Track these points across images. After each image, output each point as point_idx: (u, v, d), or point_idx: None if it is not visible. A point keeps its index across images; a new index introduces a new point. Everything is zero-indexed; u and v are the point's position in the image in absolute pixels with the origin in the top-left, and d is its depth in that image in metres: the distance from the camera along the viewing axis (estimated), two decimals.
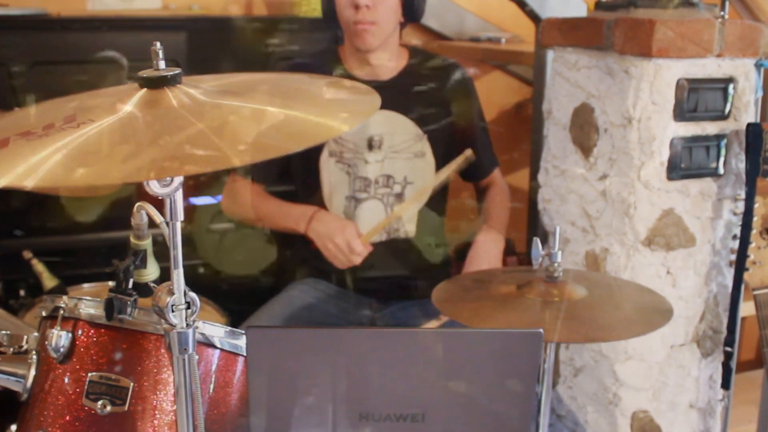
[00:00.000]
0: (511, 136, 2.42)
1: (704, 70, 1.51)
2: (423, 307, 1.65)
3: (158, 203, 0.87)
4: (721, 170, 1.57)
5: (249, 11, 2.61)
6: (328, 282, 1.73)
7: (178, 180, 0.80)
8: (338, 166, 1.65)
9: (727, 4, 1.62)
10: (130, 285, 1.06)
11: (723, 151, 1.56)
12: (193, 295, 0.89)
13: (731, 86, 1.53)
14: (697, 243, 1.59)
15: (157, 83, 0.85)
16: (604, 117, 1.59)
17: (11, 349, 1.19)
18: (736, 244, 1.50)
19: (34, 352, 1.15)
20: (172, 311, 0.88)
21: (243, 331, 1.16)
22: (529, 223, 2.09)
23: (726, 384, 1.61)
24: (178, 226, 0.86)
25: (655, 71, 1.48)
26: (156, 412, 1.09)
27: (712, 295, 1.64)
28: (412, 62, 1.68)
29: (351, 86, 0.98)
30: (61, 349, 1.10)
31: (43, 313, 1.18)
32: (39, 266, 1.65)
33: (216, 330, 1.15)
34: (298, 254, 1.76)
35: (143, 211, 0.99)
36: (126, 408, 1.07)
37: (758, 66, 1.56)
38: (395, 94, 1.63)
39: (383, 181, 1.65)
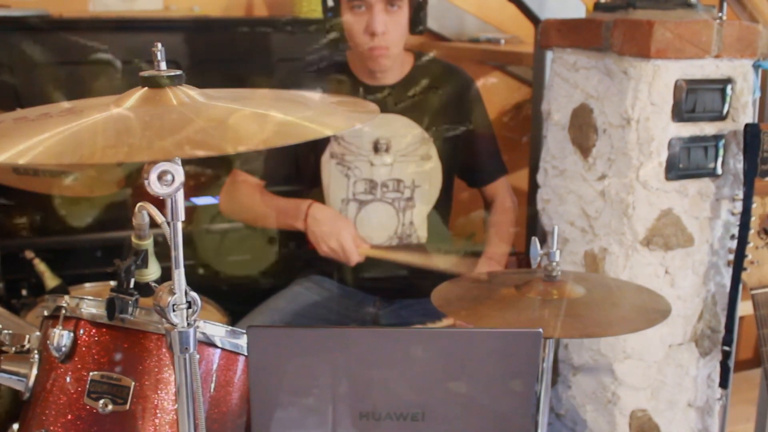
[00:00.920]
0: (511, 136, 2.43)
1: (702, 70, 1.52)
2: (426, 305, 1.65)
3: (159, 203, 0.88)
4: (719, 170, 1.57)
5: (250, 12, 2.62)
6: (332, 279, 1.74)
7: (179, 180, 0.81)
8: (338, 168, 1.66)
9: (725, 5, 1.62)
10: (132, 285, 1.06)
11: (721, 152, 1.56)
12: (194, 294, 0.89)
13: (729, 87, 1.54)
14: (695, 243, 1.59)
15: (158, 84, 0.86)
16: (603, 117, 1.60)
17: (13, 349, 1.19)
18: (734, 244, 1.50)
19: (36, 352, 1.16)
20: (174, 311, 0.88)
21: (244, 331, 1.16)
22: (528, 223, 2.09)
23: (724, 383, 1.61)
24: (179, 226, 0.87)
25: (654, 72, 1.48)
26: (157, 411, 1.09)
27: (710, 295, 1.64)
28: (416, 67, 1.69)
29: (353, 103, 0.99)
30: (63, 349, 1.11)
31: (45, 313, 1.19)
32: (41, 266, 1.66)
33: (217, 329, 1.15)
34: (302, 252, 1.76)
35: (144, 211, 0.99)
36: (127, 407, 1.08)
37: (756, 67, 1.57)
38: (400, 98, 1.64)
39: (393, 186, 1.65)
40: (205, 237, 2.08)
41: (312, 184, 1.69)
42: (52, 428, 1.10)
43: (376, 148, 1.64)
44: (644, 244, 1.55)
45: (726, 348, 1.59)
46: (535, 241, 1.29)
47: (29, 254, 1.69)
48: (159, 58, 0.88)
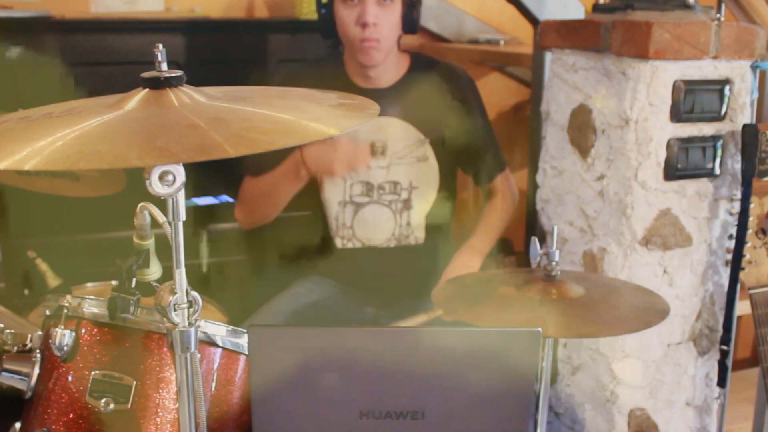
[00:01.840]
0: (510, 136, 2.44)
1: (700, 71, 1.52)
2: (426, 305, 1.66)
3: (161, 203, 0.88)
4: (717, 171, 1.58)
5: (250, 14, 2.63)
6: (332, 280, 1.74)
7: (180, 180, 0.81)
8: None
9: (723, 6, 1.63)
10: (133, 284, 1.07)
11: (719, 152, 1.57)
12: (195, 294, 0.89)
13: (727, 88, 1.55)
14: (693, 243, 1.60)
15: (159, 84, 0.87)
16: (602, 118, 1.60)
17: (15, 348, 1.19)
18: (732, 244, 1.51)
19: (38, 351, 1.16)
20: (175, 310, 0.88)
21: (244, 330, 1.16)
22: (528, 223, 2.10)
23: (722, 382, 1.62)
24: (180, 225, 0.87)
25: (652, 73, 1.49)
26: (158, 410, 1.10)
27: (708, 294, 1.65)
28: (412, 68, 1.69)
29: (353, 102, 0.99)
30: (65, 348, 1.11)
31: (47, 312, 1.19)
32: (43, 265, 1.67)
33: (218, 329, 1.16)
34: (302, 252, 1.77)
35: (146, 211, 1.00)
36: (129, 406, 1.08)
37: (754, 68, 1.57)
38: (396, 101, 1.64)
39: (390, 188, 1.66)
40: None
41: (310, 187, 1.70)
42: (54, 427, 1.10)
43: (372, 151, 1.64)
44: (643, 244, 1.56)
45: (724, 347, 1.60)
46: (535, 241, 1.30)
47: (31, 254, 1.70)
48: (160, 59, 0.88)
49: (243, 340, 1.16)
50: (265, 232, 1.82)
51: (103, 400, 1.08)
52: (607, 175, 1.60)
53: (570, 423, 1.77)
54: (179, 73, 0.88)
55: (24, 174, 1.49)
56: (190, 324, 0.89)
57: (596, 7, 1.68)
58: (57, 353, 1.12)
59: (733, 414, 1.78)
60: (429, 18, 2.67)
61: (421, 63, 1.71)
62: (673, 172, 1.54)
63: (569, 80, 1.69)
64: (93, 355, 1.12)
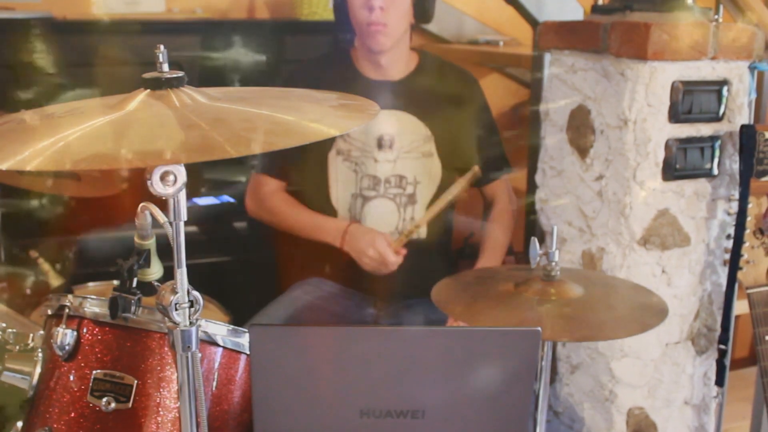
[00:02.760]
0: (509, 137, 2.44)
1: (699, 72, 1.53)
2: (426, 305, 1.66)
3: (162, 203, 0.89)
4: (716, 171, 1.58)
5: (251, 15, 2.64)
6: (332, 281, 1.75)
7: (181, 180, 0.82)
8: (345, 164, 1.67)
9: (721, 7, 1.64)
10: (134, 284, 1.07)
11: (717, 152, 1.57)
12: (196, 293, 0.90)
13: (725, 88, 1.55)
14: (691, 242, 1.60)
15: (160, 85, 0.87)
16: (601, 119, 1.61)
17: (17, 347, 1.20)
18: (730, 244, 1.52)
19: (39, 350, 1.17)
20: (176, 310, 0.88)
21: (245, 330, 1.17)
22: (527, 223, 2.11)
23: (720, 381, 1.62)
24: (182, 225, 0.87)
25: (651, 74, 1.49)
26: (159, 409, 1.10)
27: (706, 294, 1.65)
28: (421, 65, 1.71)
29: (354, 102, 1.00)
30: (66, 347, 1.12)
31: (49, 312, 1.19)
32: (45, 265, 1.67)
33: (219, 328, 1.16)
34: (302, 254, 1.78)
35: (147, 211, 1.00)
36: (130, 405, 1.09)
37: (752, 68, 1.58)
38: (405, 95, 1.66)
39: (395, 181, 1.67)
40: None
41: (317, 180, 1.70)
42: (55, 426, 1.11)
43: (380, 145, 1.65)
44: (641, 244, 1.57)
45: (722, 346, 1.60)
46: (534, 241, 1.30)
47: (33, 254, 1.71)
48: (161, 59, 0.89)
49: (244, 340, 1.17)
50: (266, 231, 1.83)
51: (104, 399, 1.09)
52: (605, 175, 1.61)
53: (569, 422, 1.77)
54: (180, 73, 0.88)
55: (26, 174, 1.50)
56: (191, 323, 0.90)
57: (595, 9, 1.69)
58: (58, 352, 1.12)
59: (731, 413, 1.78)
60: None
61: (429, 61, 1.73)
62: (671, 172, 1.54)
63: (568, 81, 1.70)
64: (94, 355, 1.12)
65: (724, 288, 1.61)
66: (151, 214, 0.98)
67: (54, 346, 1.12)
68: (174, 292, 0.89)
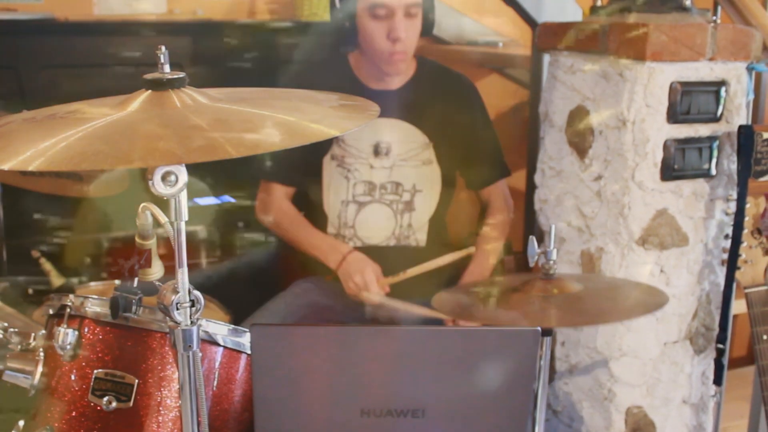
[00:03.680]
0: (509, 138, 2.45)
1: (697, 73, 1.53)
2: (425, 305, 1.67)
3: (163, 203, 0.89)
4: (714, 171, 1.59)
5: (252, 16, 2.64)
6: (330, 282, 1.75)
7: (183, 181, 0.82)
8: (338, 170, 1.68)
9: (719, 8, 1.64)
10: (135, 284, 1.08)
11: (715, 153, 1.58)
12: (197, 293, 0.90)
13: (723, 89, 1.56)
14: (689, 242, 1.61)
15: (162, 86, 0.87)
16: (599, 119, 1.62)
17: (19, 347, 1.20)
18: (728, 244, 1.52)
19: (41, 350, 1.17)
20: (177, 309, 0.89)
21: (246, 329, 1.17)
22: (526, 224, 2.11)
23: (718, 380, 1.63)
24: (183, 225, 0.88)
25: (649, 74, 1.50)
26: (160, 408, 1.11)
27: (704, 293, 1.66)
28: (419, 71, 1.71)
29: (354, 103, 1.00)
30: (68, 347, 1.12)
31: (51, 311, 1.19)
32: (47, 265, 1.68)
33: (219, 328, 1.17)
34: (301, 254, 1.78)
35: (148, 212, 1.01)
36: (131, 404, 1.09)
37: (750, 69, 1.59)
38: (403, 103, 1.66)
39: (392, 188, 1.67)
40: None
41: (311, 184, 1.71)
42: (56, 425, 1.11)
43: (377, 152, 1.66)
44: (640, 244, 1.57)
45: (720, 346, 1.61)
46: (533, 241, 1.31)
47: (35, 254, 1.71)
48: (163, 60, 0.89)
49: (244, 339, 1.18)
50: (266, 232, 1.84)
51: (105, 399, 1.09)
52: (604, 175, 1.61)
53: (568, 421, 1.78)
54: (182, 74, 0.89)
55: (28, 174, 1.50)
56: (192, 323, 0.90)
57: (594, 10, 1.69)
58: (60, 352, 1.13)
59: (729, 412, 1.79)
60: None
61: (427, 68, 1.73)
62: (669, 172, 1.55)
63: (567, 82, 1.70)
64: (95, 354, 1.13)
65: (722, 287, 1.62)
66: (152, 215, 0.99)
67: (56, 346, 1.13)
68: (175, 291, 0.89)
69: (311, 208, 1.73)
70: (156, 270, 1.06)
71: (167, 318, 0.90)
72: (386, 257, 1.67)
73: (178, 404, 1.10)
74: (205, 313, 0.95)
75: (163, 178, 0.81)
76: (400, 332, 1.17)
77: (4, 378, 1.16)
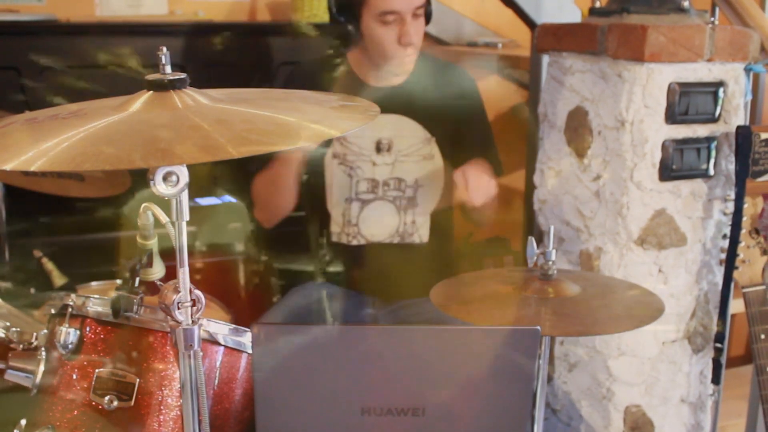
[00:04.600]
0: (508, 138, 2.46)
1: (695, 74, 1.54)
2: (424, 306, 1.67)
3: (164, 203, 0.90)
4: (712, 171, 1.60)
5: (253, 17, 2.65)
6: (330, 283, 1.76)
7: (184, 181, 0.82)
8: (340, 168, 1.68)
9: (717, 9, 1.65)
10: (137, 283, 1.08)
11: (713, 153, 1.59)
12: (198, 293, 0.90)
13: (721, 90, 1.57)
14: (688, 242, 1.62)
15: (163, 87, 0.88)
16: (598, 120, 1.62)
17: (21, 346, 1.21)
18: (726, 243, 1.52)
19: (43, 349, 1.17)
20: (178, 308, 0.89)
21: (246, 329, 1.18)
22: (525, 224, 2.12)
23: (716, 379, 1.64)
24: (184, 225, 0.88)
25: (648, 75, 1.51)
26: (161, 407, 1.11)
27: (702, 293, 1.67)
28: (419, 67, 1.72)
29: (354, 103, 1.01)
30: (70, 346, 1.13)
31: (52, 311, 1.20)
32: (49, 265, 1.68)
33: (220, 327, 1.17)
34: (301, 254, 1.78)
35: (149, 212, 1.01)
36: (132, 403, 1.10)
37: (747, 70, 1.59)
38: (403, 99, 1.66)
39: (394, 184, 1.68)
40: None
41: (313, 183, 1.71)
42: (58, 424, 1.11)
43: (378, 148, 1.66)
44: (638, 244, 1.58)
45: (718, 345, 1.61)
46: (532, 241, 1.31)
47: (37, 253, 1.72)
48: (164, 61, 0.89)
49: (244, 339, 1.18)
50: (265, 232, 1.84)
51: (106, 398, 1.10)
52: (603, 175, 1.62)
53: (567, 419, 1.78)
54: (183, 75, 0.89)
55: (30, 175, 1.51)
56: (193, 322, 0.90)
57: (592, 11, 1.70)
58: (62, 351, 1.13)
59: (727, 410, 1.79)
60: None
61: (428, 63, 1.74)
62: (668, 172, 1.56)
63: (566, 82, 1.71)
64: (97, 353, 1.13)
65: (720, 287, 1.62)
66: (153, 215, 0.99)
67: (57, 345, 1.13)
68: (176, 291, 0.89)
69: (313, 206, 1.73)
70: (157, 269, 1.07)
71: (168, 317, 0.90)
72: (389, 255, 1.68)
73: (179, 403, 1.11)
74: (206, 313, 0.95)
75: (165, 178, 0.81)
76: (401, 332, 1.18)
77: (6, 377, 1.17)
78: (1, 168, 0.78)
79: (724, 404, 1.74)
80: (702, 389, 1.72)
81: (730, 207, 1.52)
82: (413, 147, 1.68)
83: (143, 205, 1.01)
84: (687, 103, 1.54)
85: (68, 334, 1.13)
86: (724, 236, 1.55)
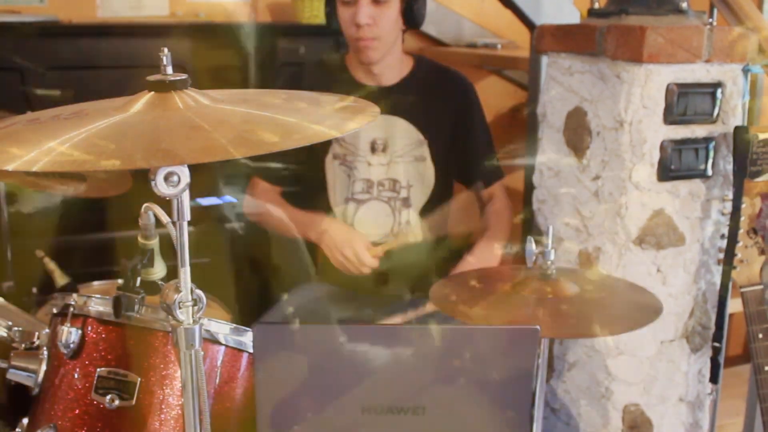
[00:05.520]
0: (507, 138, 2.46)
1: (693, 75, 1.55)
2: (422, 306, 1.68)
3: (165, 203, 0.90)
4: (710, 172, 1.60)
5: (253, 19, 2.66)
6: (329, 285, 1.76)
7: (185, 181, 0.83)
8: (341, 168, 1.69)
9: (715, 11, 1.66)
10: (138, 283, 1.08)
11: (711, 154, 1.59)
12: (199, 292, 0.90)
13: (719, 91, 1.57)
14: (686, 242, 1.62)
15: (164, 87, 0.88)
16: (597, 120, 1.63)
17: (23, 345, 1.22)
18: (724, 243, 1.53)
19: (45, 348, 1.19)
20: (179, 308, 0.89)
21: (247, 329, 1.18)
22: (524, 224, 2.12)
23: (714, 378, 1.64)
24: (185, 225, 0.88)
25: (646, 76, 1.51)
26: (162, 406, 1.11)
27: (701, 293, 1.67)
28: (415, 69, 1.72)
29: (354, 104, 1.01)
30: (71, 345, 1.13)
31: (54, 310, 1.21)
32: (50, 265, 1.69)
33: (221, 327, 1.18)
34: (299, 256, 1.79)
35: (150, 212, 1.02)
36: (133, 402, 1.10)
37: (745, 71, 1.60)
38: (398, 100, 1.67)
39: (389, 185, 1.68)
40: None
41: (315, 185, 1.72)
42: (60, 423, 1.12)
43: (373, 148, 1.67)
44: (637, 243, 1.59)
45: (716, 344, 1.62)
46: (531, 240, 1.32)
47: (39, 253, 1.72)
48: (165, 62, 0.90)
49: (245, 338, 1.19)
50: (265, 232, 1.85)
51: (108, 397, 1.10)
52: (602, 175, 1.62)
53: (566, 418, 1.79)
54: (184, 76, 0.90)
55: (32, 175, 1.51)
56: (194, 321, 0.91)
57: (591, 12, 1.70)
58: (63, 350, 1.14)
59: (725, 409, 1.80)
60: (428, 22, 2.69)
61: (424, 66, 1.74)
62: (666, 173, 1.56)
63: (565, 83, 1.72)
64: (98, 353, 1.14)
65: (718, 287, 1.63)
66: (155, 215, 1.00)
67: (59, 344, 1.14)
68: (178, 290, 0.89)
69: (315, 208, 1.74)
70: (158, 269, 1.08)
71: (170, 317, 0.91)
72: (384, 255, 1.68)
73: (180, 402, 1.11)
74: (207, 312, 0.96)
75: (166, 178, 0.81)
76: (401, 331, 1.18)
77: (8, 376, 1.17)
78: (3, 168, 0.78)
79: (722, 403, 1.74)
80: (700, 388, 1.73)
81: (728, 207, 1.52)
82: (406, 148, 1.69)
83: (144, 205, 1.01)
84: (685, 103, 1.54)
85: (70, 333, 1.14)
86: (722, 236, 1.55)
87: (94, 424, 1.11)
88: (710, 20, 1.60)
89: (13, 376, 1.18)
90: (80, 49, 2.06)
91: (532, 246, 1.31)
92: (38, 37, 2.03)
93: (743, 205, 1.50)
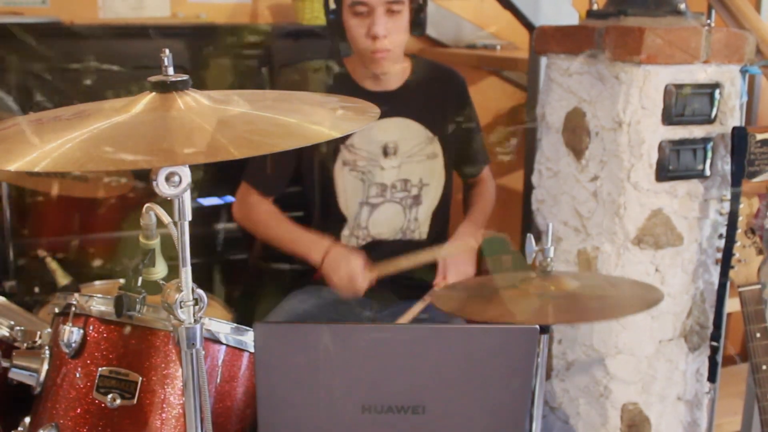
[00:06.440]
0: (506, 139, 2.47)
1: (691, 75, 1.55)
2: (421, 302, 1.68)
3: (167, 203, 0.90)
4: (708, 172, 1.61)
5: (254, 19, 2.66)
6: (328, 287, 1.76)
7: (186, 181, 0.83)
8: (352, 174, 1.69)
9: (713, 12, 1.66)
10: (140, 283, 1.09)
11: (709, 154, 1.60)
12: (200, 292, 0.91)
13: (717, 91, 1.58)
14: (684, 242, 1.63)
15: (166, 88, 0.89)
16: (596, 121, 1.64)
17: (25, 345, 1.22)
18: (722, 243, 1.54)
19: (47, 348, 1.19)
20: (181, 307, 0.90)
21: (248, 328, 1.19)
22: (524, 224, 2.13)
23: (712, 377, 1.65)
24: (186, 225, 0.89)
25: (645, 77, 1.52)
26: (164, 405, 1.12)
27: (699, 292, 1.68)
28: (414, 70, 1.73)
29: (354, 105, 1.02)
30: (73, 345, 1.14)
31: (56, 310, 1.21)
32: (53, 264, 1.69)
33: (222, 326, 1.18)
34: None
35: (152, 212, 1.02)
36: (135, 401, 1.11)
37: (743, 72, 1.60)
38: (403, 101, 1.68)
39: (401, 186, 1.69)
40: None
41: (324, 193, 1.72)
42: (61, 422, 1.12)
43: (385, 152, 1.68)
44: (635, 243, 1.59)
45: (714, 343, 1.63)
46: (530, 238, 1.32)
47: (41, 253, 1.73)
48: (167, 63, 0.90)
49: (246, 338, 1.19)
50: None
51: (109, 396, 1.11)
52: (600, 176, 1.63)
53: (565, 417, 1.79)
54: (185, 77, 0.90)
55: (34, 175, 1.52)
56: (195, 321, 0.91)
57: (590, 13, 1.71)
58: (65, 350, 1.14)
59: (723, 408, 1.81)
60: (428, 24, 2.71)
61: (421, 65, 1.75)
62: (664, 173, 1.57)
63: (564, 84, 1.72)
64: (100, 352, 1.14)
65: (716, 286, 1.63)
66: (156, 215, 1.00)
67: (61, 344, 1.14)
68: (179, 290, 0.90)
69: (322, 212, 1.73)
70: (160, 269, 1.08)
71: (171, 316, 0.91)
72: (390, 252, 1.69)
73: (181, 401, 1.12)
74: (207, 312, 0.96)
75: (167, 178, 0.82)
76: (401, 330, 1.19)
77: (10, 375, 1.17)
78: (5, 168, 0.79)
79: (720, 402, 1.75)
80: (698, 387, 1.73)
81: (726, 207, 1.53)
82: (417, 147, 1.70)
83: (146, 205, 1.02)
84: (683, 104, 1.55)
85: (72, 333, 1.14)
86: (720, 236, 1.56)
87: (96, 423, 1.12)
88: (708, 21, 1.61)
89: (15, 375, 1.18)
90: (82, 50, 2.07)
91: (532, 244, 1.32)
92: (40, 38, 2.04)
93: (741, 206, 1.51)
